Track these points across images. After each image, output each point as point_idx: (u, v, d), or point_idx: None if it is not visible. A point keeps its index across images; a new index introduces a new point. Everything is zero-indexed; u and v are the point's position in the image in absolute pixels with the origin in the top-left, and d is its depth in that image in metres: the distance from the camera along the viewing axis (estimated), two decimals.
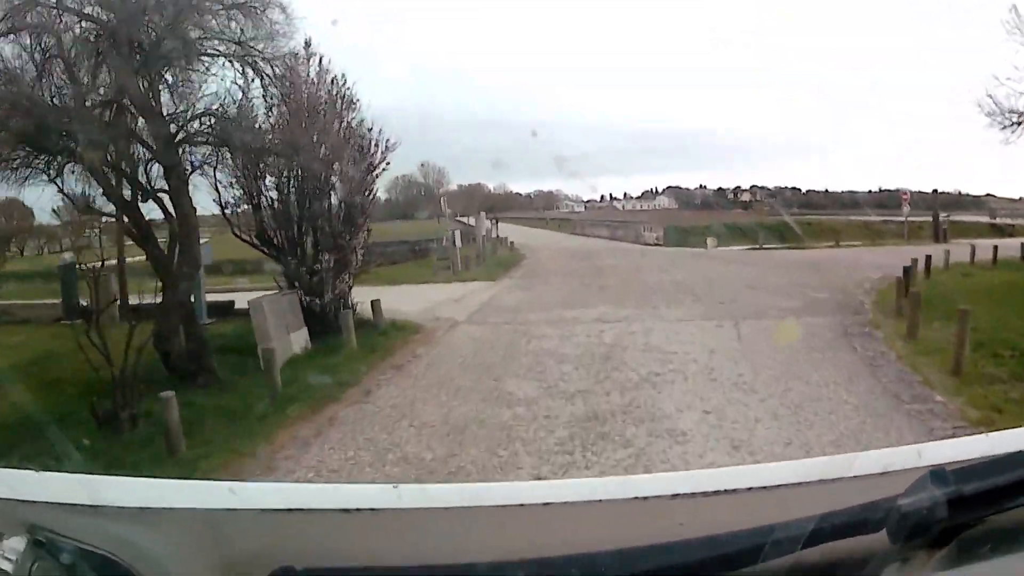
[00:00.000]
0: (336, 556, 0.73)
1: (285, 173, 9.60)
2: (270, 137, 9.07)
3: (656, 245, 27.07)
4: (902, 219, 26.14)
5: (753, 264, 18.15)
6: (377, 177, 10.47)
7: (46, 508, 0.71)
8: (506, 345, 8.92)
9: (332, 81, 9.64)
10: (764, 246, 23.92)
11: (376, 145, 10.20)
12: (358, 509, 0.72)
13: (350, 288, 10.09)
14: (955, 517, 0.69)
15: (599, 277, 15.32)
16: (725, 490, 0.73)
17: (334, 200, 10.01)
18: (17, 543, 0.70)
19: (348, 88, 9.81)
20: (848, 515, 0.70)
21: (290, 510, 0.71)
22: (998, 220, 29.65)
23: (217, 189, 9.13)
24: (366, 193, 10.33)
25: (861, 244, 24.31)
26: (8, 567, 0.69)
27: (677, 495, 0.74)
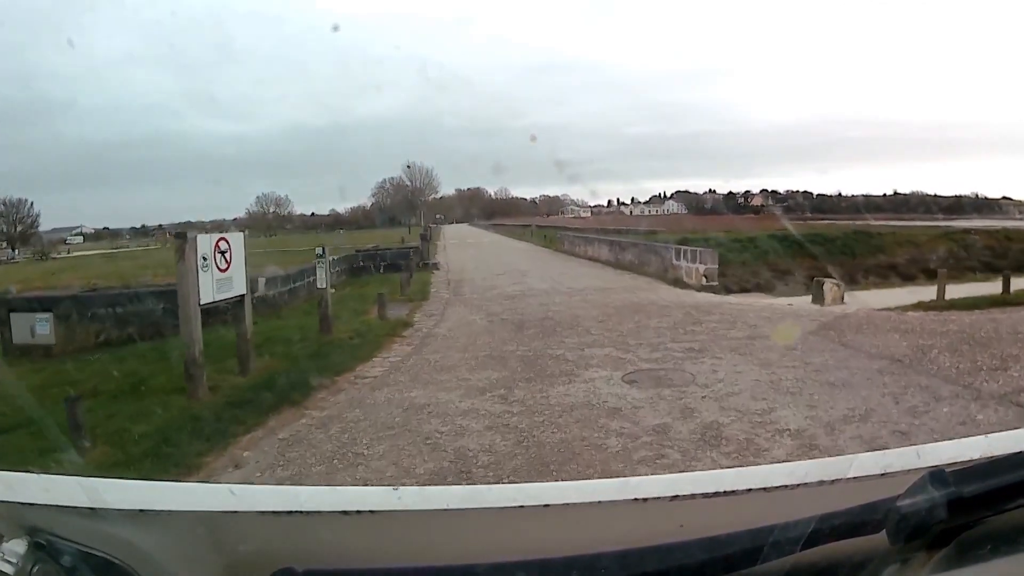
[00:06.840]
0: (336, 558, 0.73)
1: None
2: None
3: (705, 289, 14.38)
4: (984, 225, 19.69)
5: None
6: None
7: (46, 511, 0.71)
8: None
9: None
10: (945, 297, 11.57)
11: None
12: (358, 511, 0.72)
13: None
14: (954, 518, 0.69)
15: None
16: (725, 491, 0.74)
17: None
18: (17, 546, 0.70)
19: None
20: (847, 516, 0.70)
21: (290, 512, 0.71)
22: None
23: None
24: None
25: None
26: (8, 570, 0.69)
27: (677, 497, 0.74)
